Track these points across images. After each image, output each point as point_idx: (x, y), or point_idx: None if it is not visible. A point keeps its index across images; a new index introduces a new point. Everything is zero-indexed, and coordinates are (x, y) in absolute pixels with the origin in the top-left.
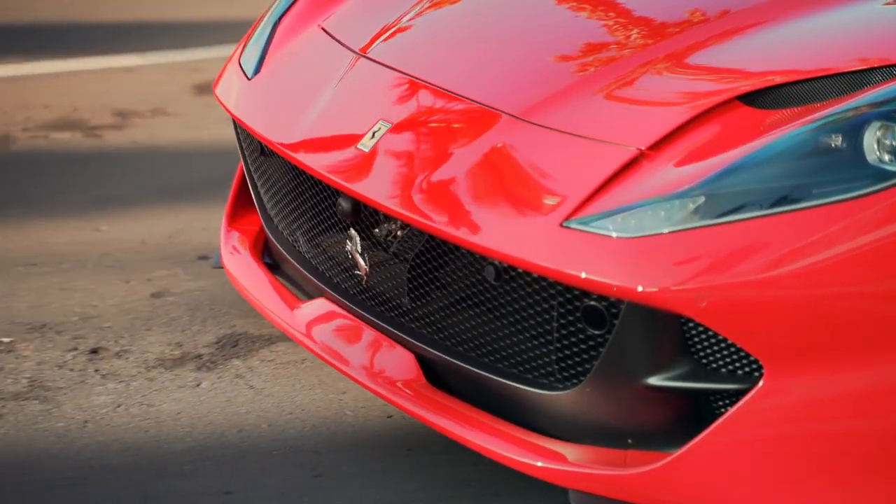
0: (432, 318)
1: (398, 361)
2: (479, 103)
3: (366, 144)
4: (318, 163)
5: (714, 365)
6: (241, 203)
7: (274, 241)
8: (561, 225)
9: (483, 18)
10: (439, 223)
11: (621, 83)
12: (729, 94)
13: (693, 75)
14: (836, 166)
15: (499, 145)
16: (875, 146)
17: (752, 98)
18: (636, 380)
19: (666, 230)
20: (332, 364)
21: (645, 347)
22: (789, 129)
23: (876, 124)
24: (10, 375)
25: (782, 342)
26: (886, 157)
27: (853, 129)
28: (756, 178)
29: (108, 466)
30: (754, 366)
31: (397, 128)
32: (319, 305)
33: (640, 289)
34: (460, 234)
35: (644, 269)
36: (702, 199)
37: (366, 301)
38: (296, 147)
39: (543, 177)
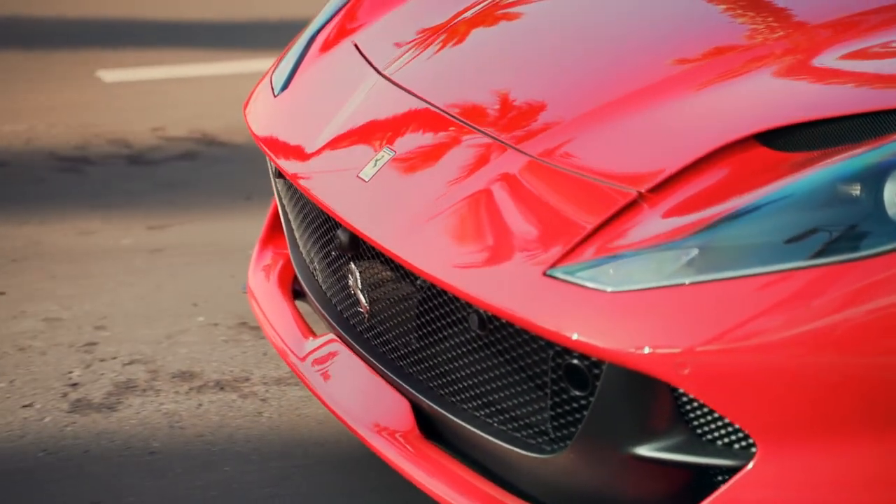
0: (428, 363)
1: (393, 409)
2: (487, 134)
3: (367, 173)
4: (320, 189)
5: (709, 437)
6: (277, 225)
7: (296, 268)
8: (544, 273)
9: (517, 40)
10: (424, 264)
11: (637, 116)
12: (746, 131)
13: (706, 112)
14: (852, 220)
15: (497, 182)
16: None
17: (772, 137)
18: (623, 448)
19: (652, 285)
20: (326, 404)
21: (631, 414)
22: (801, 176)
23: None
24: (273, 361)
25: (779, 416)
26: None
27: (874, 178)
28: (757, 230)
29: (366, 454)
30: (751, 440)
31: (400, 157)
32: (325, 341)
33: (618, 349)
34: (444, 278)
35: (624, 327)
36: (695, 252)
37: (368, 340)
38: (302, 170)
39: (535, 219)
